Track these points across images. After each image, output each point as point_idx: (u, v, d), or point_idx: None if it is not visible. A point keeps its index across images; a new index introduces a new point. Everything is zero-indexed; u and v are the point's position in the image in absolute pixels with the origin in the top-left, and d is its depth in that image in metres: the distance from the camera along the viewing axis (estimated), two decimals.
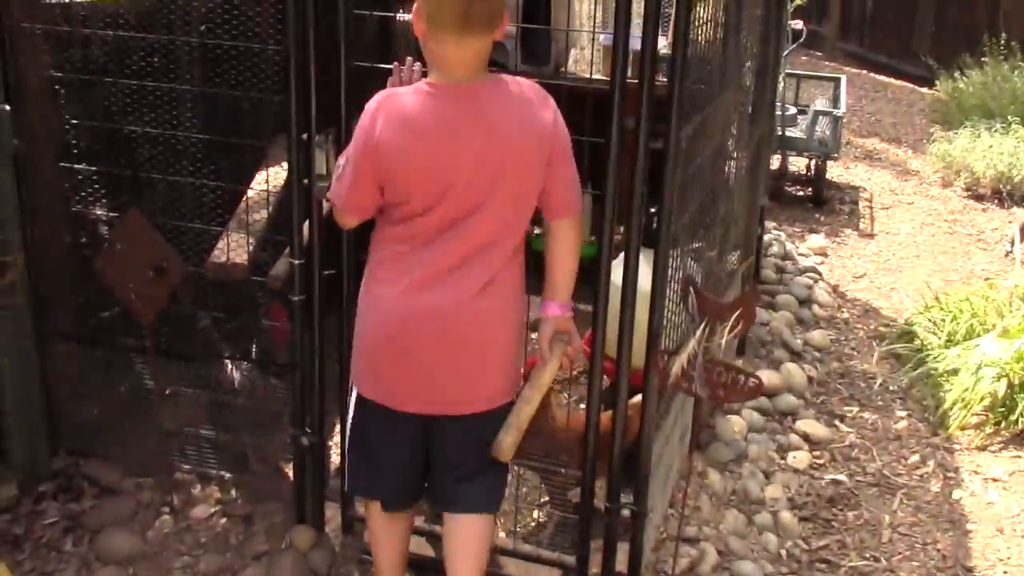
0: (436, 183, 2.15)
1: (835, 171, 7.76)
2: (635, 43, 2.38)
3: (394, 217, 2.23)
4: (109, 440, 3.25)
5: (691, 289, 2.52)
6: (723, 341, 2.43)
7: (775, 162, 6.84)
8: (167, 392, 3.28)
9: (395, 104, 2.15)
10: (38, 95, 2.98)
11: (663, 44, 2.69)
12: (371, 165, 2.16)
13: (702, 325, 2.49)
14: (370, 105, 2.18)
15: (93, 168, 3.05)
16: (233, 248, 2.97)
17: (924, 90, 10.85)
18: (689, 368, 2.46)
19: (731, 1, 3.24)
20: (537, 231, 3.88)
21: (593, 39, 3.82)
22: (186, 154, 3.10)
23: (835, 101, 7.50)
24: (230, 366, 3.29)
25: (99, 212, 3.14)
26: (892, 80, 11.39)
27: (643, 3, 2.33)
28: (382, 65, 2.38)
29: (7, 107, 2.84)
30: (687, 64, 2.44)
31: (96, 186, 3.09)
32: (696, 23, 2.57)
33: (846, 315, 5.41)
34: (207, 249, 3.02)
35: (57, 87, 2.95)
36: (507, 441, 2.32)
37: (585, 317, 2.54)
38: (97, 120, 3.03)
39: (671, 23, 3.50)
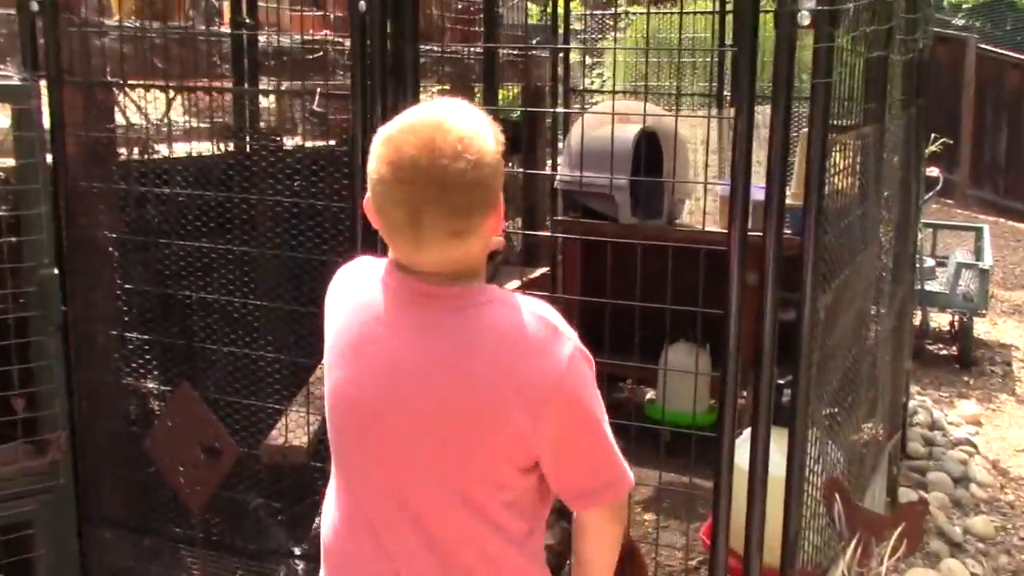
0: (349, 403, 1.54)
1: (980, 327, 7.08)
2: (755, 193, 1.99)
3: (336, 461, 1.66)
4: None
5: (837, 496, 2.00)
6: (883, 569, 1.89)
7: (914, 318, 6.24)
8: None
9: (356, 273, 1.61)
10: (92, 258, 2.75)
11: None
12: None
13: (853, 543, 1.96)
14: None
15: (146, 337, 2.78)
16: (292, 428, 2.61)
17: None
18: None
19: (870, 147, 2.82)
20: None
21: (705, 189, 3.45)
22: (243, 322, 2.80)
23: (978, 252, 6.94)
24: (288, 560, 2.88)
25: (151, 385, 2.86)
26: None
27: (768, 149, 1.95)
28: None
29: (56, 271, 2.60)
30: (822, 217, 2.02)
31: (148, 357, 2.82)
32: (833, 171, 2.15)
33: (1011, 497, 4.71)
34: (264, 429, 2.67)
35: (111, 249, 2.71)
36: None
37: (705, 495, 2.21)
38: (152, 285, 2.77)
39: (796, 172, 3.10)
